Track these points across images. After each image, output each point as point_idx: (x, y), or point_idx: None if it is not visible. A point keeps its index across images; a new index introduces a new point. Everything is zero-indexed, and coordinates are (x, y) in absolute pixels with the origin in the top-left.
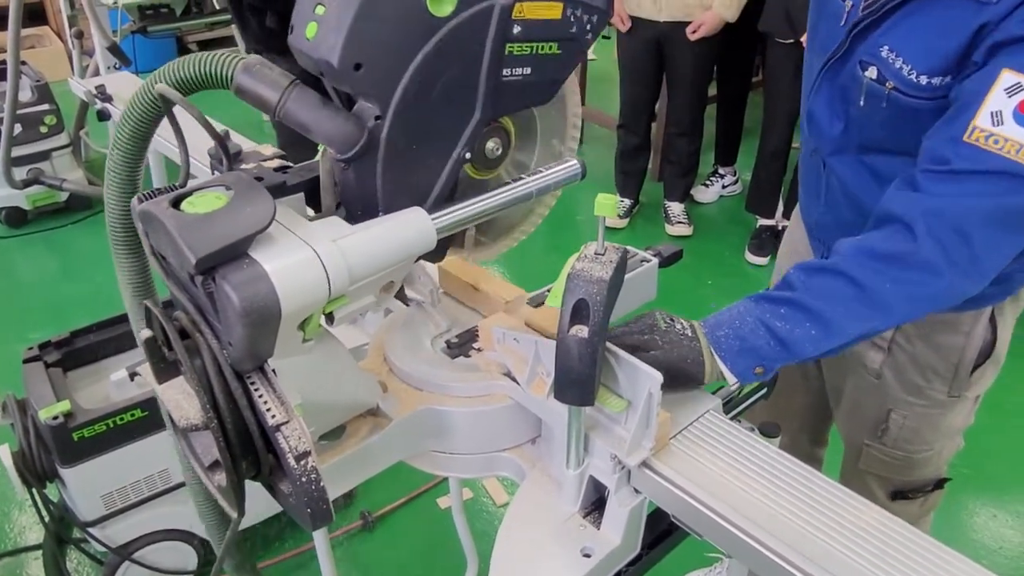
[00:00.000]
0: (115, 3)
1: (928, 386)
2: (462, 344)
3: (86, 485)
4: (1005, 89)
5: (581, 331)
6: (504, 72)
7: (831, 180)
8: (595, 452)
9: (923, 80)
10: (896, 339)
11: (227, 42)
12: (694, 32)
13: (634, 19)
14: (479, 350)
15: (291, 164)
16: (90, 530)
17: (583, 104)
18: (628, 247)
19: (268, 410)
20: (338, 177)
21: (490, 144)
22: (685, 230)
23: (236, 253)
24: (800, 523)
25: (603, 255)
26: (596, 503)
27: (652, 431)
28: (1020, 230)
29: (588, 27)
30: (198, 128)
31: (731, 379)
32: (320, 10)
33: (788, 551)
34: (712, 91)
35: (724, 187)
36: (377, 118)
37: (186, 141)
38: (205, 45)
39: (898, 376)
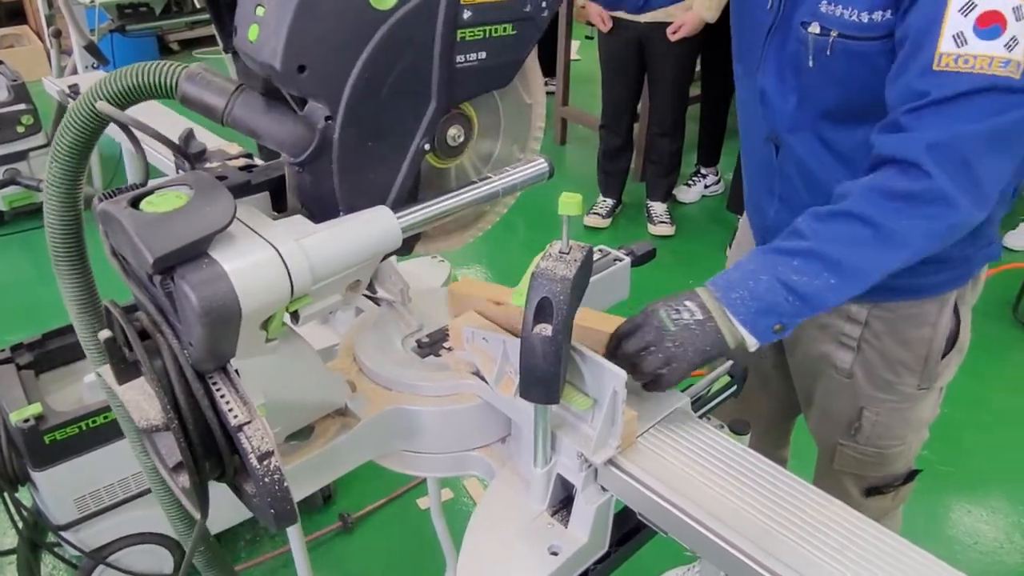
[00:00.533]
0: (92, 2)
1: (899, 381)
2: (433, 343)
3: (59, 488)
4: (958, 10)
5: (545, 329)
6: (458, 59)
7: (787, 167)
8: (562, 450)
9: (864, 18)
10: (865, 336)
11: (208, 41)
12: (675, 33)
13: (615, 19)
14: (450, 349)
15: (256, 163)
16: (63, 534)
17: (566, 104)
18: (602, 246)
19: (230, 410)
20: (295, 181)
21: (451, 131)
22: (667, 230)
23: (195, 252)
24: (764, 519)
25: (568, 254)
26: (564, 501)
27: (618, 429)
28: (1009, 149)
29: (543, 4)
30: (168, 121)
31: (751, 341)
32: (260, 11)
33: (751, 547)
34: (695, 91)
35: (706, 187)
36: (328, 119)
37: (141, 143)
38: (186, 44)
39: (868, 374)
